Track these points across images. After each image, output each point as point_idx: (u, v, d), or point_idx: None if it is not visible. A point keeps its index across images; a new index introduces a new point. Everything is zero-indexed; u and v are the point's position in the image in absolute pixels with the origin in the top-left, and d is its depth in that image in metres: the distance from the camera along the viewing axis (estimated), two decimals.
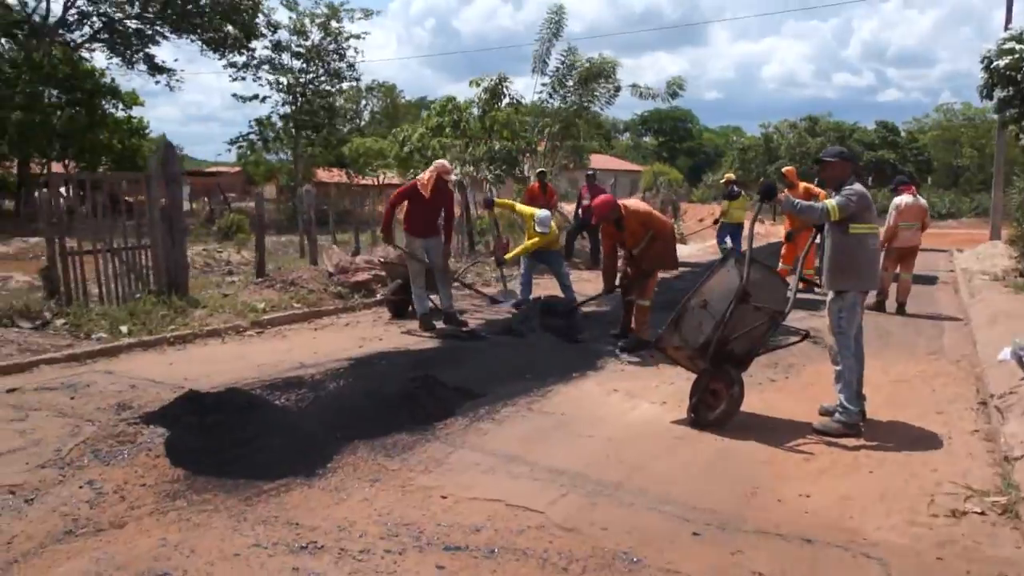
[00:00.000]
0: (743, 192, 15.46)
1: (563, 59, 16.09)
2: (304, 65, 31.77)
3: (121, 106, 37.09)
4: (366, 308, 10.66)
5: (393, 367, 7.39)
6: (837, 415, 5.65)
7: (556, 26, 16.08)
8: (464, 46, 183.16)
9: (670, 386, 6.80)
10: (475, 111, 14.99)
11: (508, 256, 10.38)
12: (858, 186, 5.65)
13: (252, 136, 32.98)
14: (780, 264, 13.14)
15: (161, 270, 10.04)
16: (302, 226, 14.77)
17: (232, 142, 33.48)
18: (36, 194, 17.04)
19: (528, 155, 16.04)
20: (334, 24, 31.25)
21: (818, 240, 6.17)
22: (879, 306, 10.96)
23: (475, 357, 7.82)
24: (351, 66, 32.25)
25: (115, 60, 31.16)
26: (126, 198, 10.81)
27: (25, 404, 6.33)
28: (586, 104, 16.00)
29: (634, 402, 6.39)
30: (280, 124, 32.57)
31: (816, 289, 12.30)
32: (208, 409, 5.85)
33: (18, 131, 27.76)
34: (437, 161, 9.56)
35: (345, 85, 33.12)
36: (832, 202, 5.56)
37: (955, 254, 19.56)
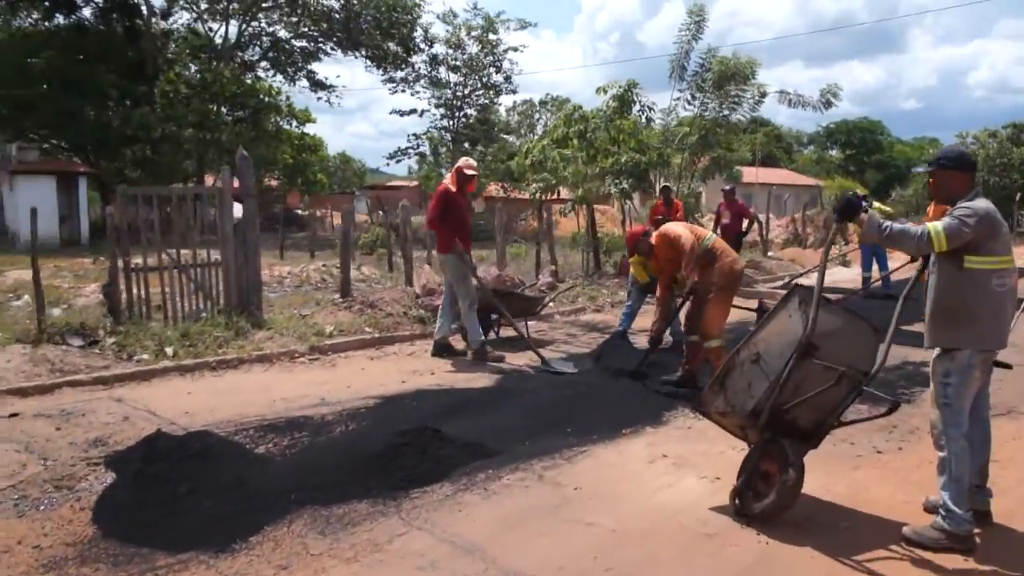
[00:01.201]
0: (874, 204, 13.30)
1: (701, 62, 14.61)
2: (461, 79, 31.61)
3: (295, 123, 38.79)
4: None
5: (416, 411, 6.38)
6: (938, 519, 4.06)
7: (696, 27, 14.62)
8: (648, 58, 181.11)
9: (737, 453, 5.37)
10: (601, 121, 13.75)
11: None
12: (980, 203, 4.01)
13: (410, 150, 33.16)
14: None
15: (231, 288, 9.54)
16: (398, 242, 14.17)
17: (391, 156, 33.84)
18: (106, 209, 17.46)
19: (661, 168, 14.63)
20: (491, 36, 30.86)
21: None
22: None
23: (518, 401, 6.65)
24: (508, 79, 31.80)
25: (278, 78, 32.14)
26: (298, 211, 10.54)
27: (2, 433, 5.82)
28: (725, 112, 14.42)
29: (679, 474, 5.02)
30: (438, 137, 32.54)
31: None
32: (159, 456, 5.06)
33: (192, 147, 29.15)
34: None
35: (505, 98, 32.63)
36: (938, 225, 3.95)
37: None
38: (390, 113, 41.91)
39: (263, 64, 32.63)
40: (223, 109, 29.74)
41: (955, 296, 4.02)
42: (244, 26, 32.51)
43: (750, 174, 46.79)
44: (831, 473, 5.03)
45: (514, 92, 33.14)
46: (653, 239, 7.30)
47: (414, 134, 33.19)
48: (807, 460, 5.04)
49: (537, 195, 14.59)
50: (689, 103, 14.95)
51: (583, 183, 13.64)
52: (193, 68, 31.32)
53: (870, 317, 4.39)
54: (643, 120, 14.31)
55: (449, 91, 31.72)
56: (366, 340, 9.13)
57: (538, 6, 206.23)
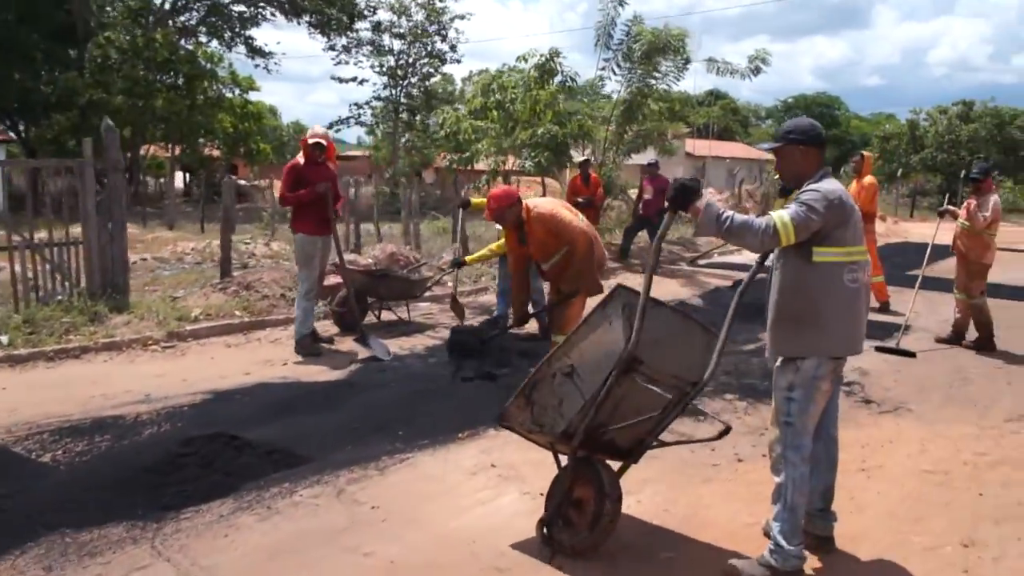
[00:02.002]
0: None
1: (627, 29, 13.93)
2: (405, 47, 30.64)
3: (238, 90, 37.63)
4: (325, 319, 9.00)
5: (243, 409, 5.75)
6: (766, 553, 3.49)
7: None
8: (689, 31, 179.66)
9: None
10: (525, 92, 13.06)
11: (471, 258, 8.24)
12: (828, 184, 3.41)
13: (351, 119, 32.19)
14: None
15: (94, 269, 8.78)
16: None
17: (330, 126, 32.80)
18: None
19: (581, 141, 14.00)
20: (437, 3, 29.90)
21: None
22: (956, 339, 8.31)
23: (360, 398, 6.03)
24: (453, 47, 30.88)
25: (214, 44, 30.99)
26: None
27: None
28: (649, 82, 13.77)
29: (500, 489, 4.43)
30: (379, 108, 31.58)
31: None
32: None
33: (120, 115, 27.95)
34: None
35: (454, 67, 31.72)
36: (784, 215, 3.32)
37: None
38: (330, 79, 40.84)
39: (201, 29, 31.32)
40: (156, 76, 28.55)
41: (803, 296, 3.41)
42: None
43: (703, 147, 46.33)
44: (677, 486, 4.49)
45: (458, 61, 32.40)
46: (526, 212, 6.32)
47: (355, 103, 32.18)
48: (654, 471, 4.54)
49: (453, 167, 13.90)
50: (615, 73, 14.30)
51: (496, 155, 12.95)
52: (126, 33, 29.96)
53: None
54: (564, 91, 13.61)
55: (392, 59, 30.72)
56: (233, 325, 8.43)
57: None
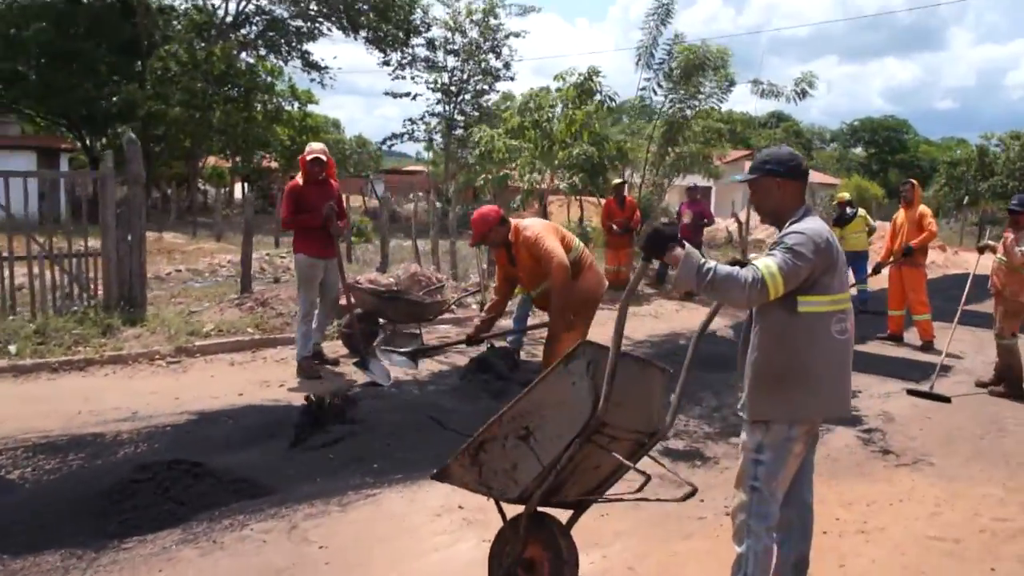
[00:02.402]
0: (859, 213, 12.31)
1: (669, 49, 13.61)
2: (459, 63, 30.71)
3: (297, 104, 38.24)
4: (336, 339, 8.85)
5: (226, 432, 5.61)
6: None
7: (665, 12, 13.64)
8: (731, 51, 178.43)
9: None
10: (559, 110, 12.84)
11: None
12: (813, 223, 3.05)
13: (405, 135, 32.36)
14: (889, 310, 10.16)
15: (112, 281, 8.79)
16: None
17: (383, 141, 33.05)
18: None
19: (619, 162, 13.69)
20: (492, 21, 29.89)
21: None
22: (1015, 389, 7.66)
23: (340, 427, 5.83)
24: (507, 65, 30.83)
25: (271, 57, 31.49)
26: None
27: None
28: (691, 102, 13.39)
29: (460, 535, 4.15)
30: (433, 123, 31.71)
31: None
32: None
33: (178, 126, 28.58)
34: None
35: (504, 84, 31.63)
36: (769, 264, 2.91)
37: None
38: (383, 94, 41.03)
39: (259, 43, 31.90)
40: (213, 88, 29.08)
41: (787, 351, 3.03)
42: (244, 4, 31.85)
43: None
44: (651, 541, 4.16)
45: (512, 79, 32.23)
46: (515, 235, 6.11)
47: (410, 119, 32.35)
48: (629, 522, 4.25)
49: (486, 186, 13.73)
50: (656, 93, 13.99)
51: (530, 175, 12.73)
52: (184, 45, 30.65)
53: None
54: (603, 110, 13.35)
55: (446, 75, 30.80)
56: (243, 342, 8.33)
57: None
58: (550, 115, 12.89)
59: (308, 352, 7.31)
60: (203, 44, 30.32)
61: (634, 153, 13.83)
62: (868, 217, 12.52)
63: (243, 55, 32.83)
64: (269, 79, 34.55)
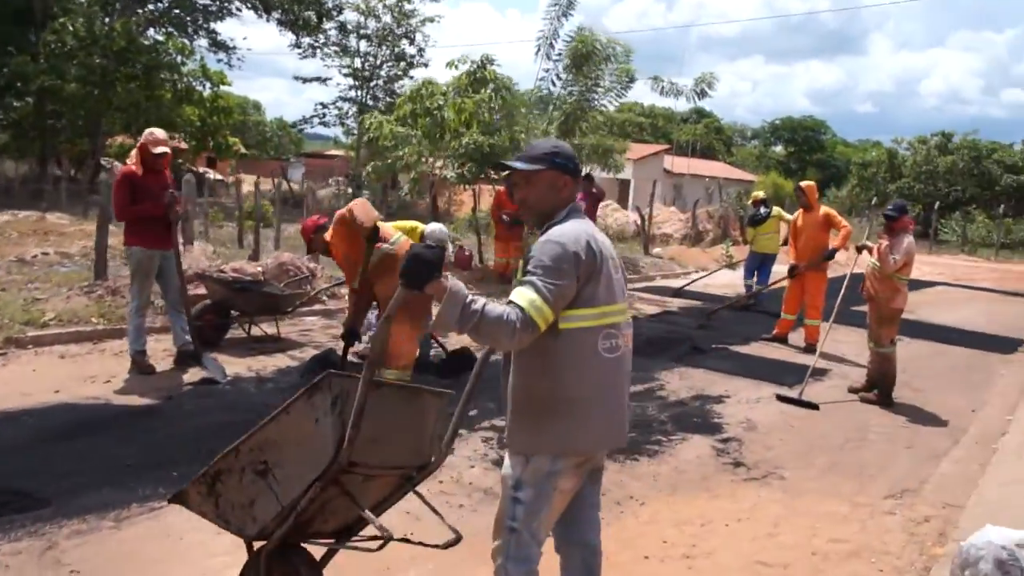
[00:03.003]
0: (772, 213, 12.19)
1: (569, 41, 13.24)
2: (372, 48, 29.99)
3: (209, 85, 36.93)
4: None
5: (22, 434, 5.03)
6: None
7: (567, 1, 13.28)
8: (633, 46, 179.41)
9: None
10: (450, 99, 12.35)
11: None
12: (571, 228, 2.64)
13: (315, 119, 31.53)
14: (783, 312, 9.99)
15: None
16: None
17: (292, 125, 32.18)
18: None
19: (510, 152, 13.30)
20: (406, 6, 29.25)
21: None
22: (885, 397, 7.46)
23: (162, 427, 5.32)
24: (421, 51, 30.24)
25: (176, 35, 30.30)
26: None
27: None
28: (587, 95, 13.07)
29: (238, 556, 3.70)
30: (345, 108, 30.97)
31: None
32: None
33: (73, 103, 27.26)
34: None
35: (419, 71, 30.96)
36: (528, 293, 2.49)
37: None
38: (293, 79, 39.81)
39: (163, 20, 30.67)
40: (113, 65, 27.74)
41: (548, 376, 2.61)
42: None
43: (681, 165, 45.86)
44: (450, 568, 3.78)
45: (425, 65, 31.58)
46: (330, 232, 6.00)
47: (321, 103, 31.52)
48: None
49: (372, 174, 13.22)
50: (554, 84, 13.61)
51: (418, 165, 12.25)
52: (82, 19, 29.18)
53: None
54: (497, 100, 12.93)
55: (359, 60, 30.05)
56: (84, 333, 7.70)
57: None
58: (440, 103, 12.41)
59: (141, 347, 6.75)
60: (106, 18, 28.95)
61: (528, 143, 13.41)
62: (784, 214, 12.39)
63: (150, 32, 31.51)
64: (180, 58, 33.34)
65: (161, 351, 7.37)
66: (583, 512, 2.87)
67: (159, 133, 6.77)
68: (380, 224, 5.77)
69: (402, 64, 30.51)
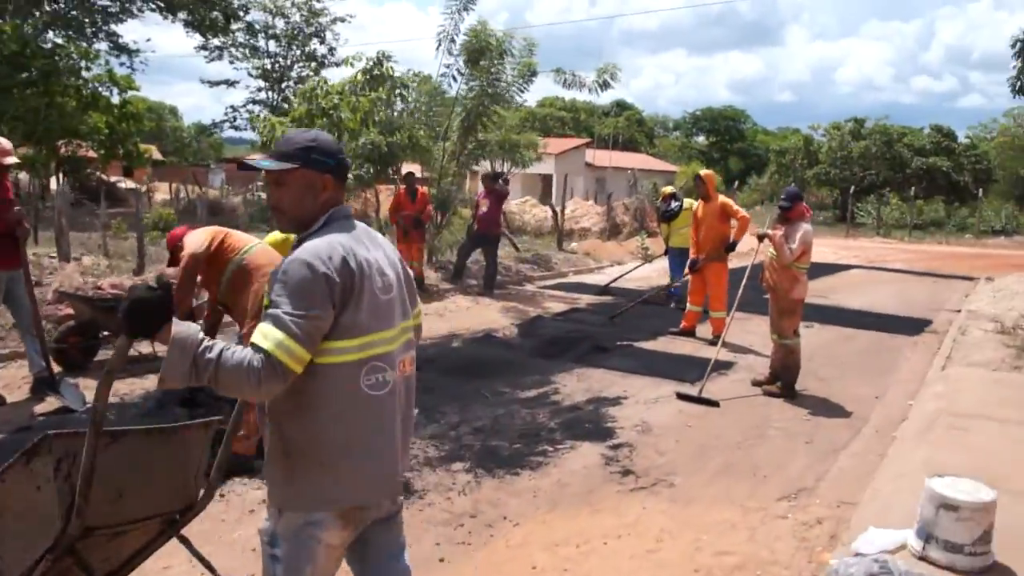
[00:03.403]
0: (684, 206, 11.91)
1: (469, 36, 12.85)
2: (281, 49, 29.19)
3: (116, 91, 35.68)
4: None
5: None
6: None
7: None
8: (537, 40, 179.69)
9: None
10: (347, 98, 11.84)
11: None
12: (327, 241, 2.20)
13: (225, 123, 30.59)
14: (688, 304, 9.79)
15: None
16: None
17: (200, 131, 31.18)
18: None
19: (414, 152, 12.89)
20: (315, 4, 28.53)
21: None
22: (788, 390, 7.27)
23: None
24: (332, 50, 29.53)
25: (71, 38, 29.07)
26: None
27: None
28: (488, 90, 12.69)
29: None
30: (256, 111, 30.06)
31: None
32: None
33: None
34: None
35: (331, 71, 30.22)
36: (278, 336, 2.04)
37: (979, 284, 15.42)
38: (200, 82, 38.34)
39: (57, 23, 29.37)
40: (4, 70, 26.41)
41: (303, 418, 2.20)
42: None
43: (603, 158, 45.85)
44: None
45: (337, 65, 30.86)
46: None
47: (231, 106, 30.58)
48: None
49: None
50: (455, 80, 13.23)
51: None
52: None
53: None
54: (395, 98, 12.52)
55: (268, 61, 29.21)
56: None
57: None
58: (335, 102, 11.90)
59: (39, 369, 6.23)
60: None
61: (428, 141, 13.03)
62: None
63: (49, 34, 30.18)
64: (84, 63, 32.04)
65: (20, 378, 6.83)
66: (381, 564, 2.47)
67: (4, 143, 6.18)
68: (233, 235, 5.29)
69: (313, 64, 29.73)
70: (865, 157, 35.60)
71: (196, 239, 5.06)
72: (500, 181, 12.18)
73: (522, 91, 12.98)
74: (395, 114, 12.67)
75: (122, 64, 30.78)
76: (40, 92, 27.44)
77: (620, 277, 13.63)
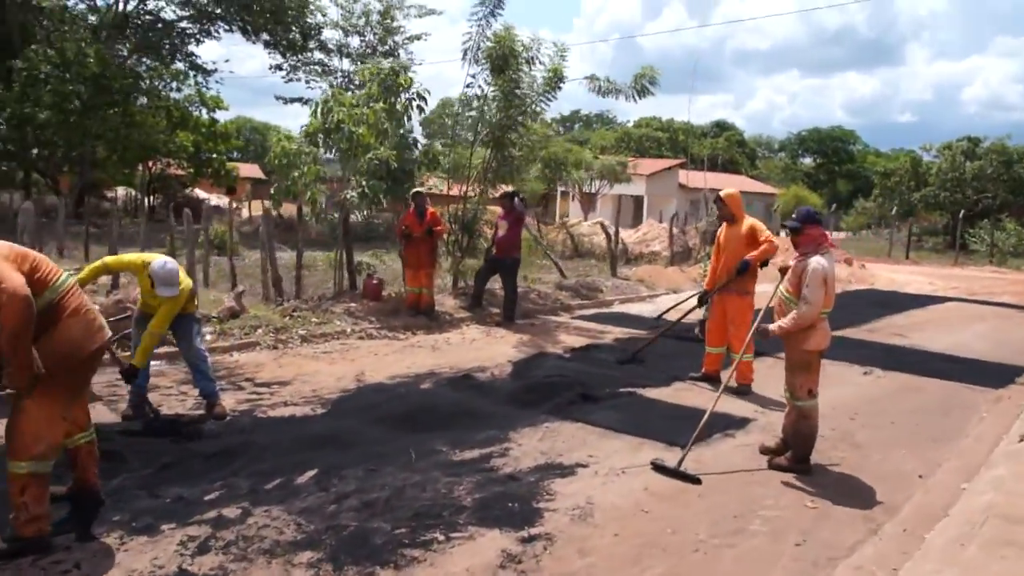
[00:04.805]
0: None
1: (493, 43, 11.65)
2: (355, 67, 28.70)
3: (205, 110, 36.43)
4: None
5: None
6: None
7: (494, 2, 11.78)
8: (648, 62, 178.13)
9: None
10: (353, 111, 10.86)
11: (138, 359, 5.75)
12: None
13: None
14: (707, 345, 8.27)
15: None
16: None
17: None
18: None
19: (427, 168, 11.81)
20: (392, 23, 27.93)
21: None
22: (799, 463, 5.76)
23: None
24: (405, 70, 28.82)
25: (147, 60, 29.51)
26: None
27: None
28: (512, 100, 11.41)
29: None
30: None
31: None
32: None
33: (52, 131, 26.55)
34: None
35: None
36: None
37: None
38: (276, 98, 38.38)
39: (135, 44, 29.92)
40: (89, 90, 26.86)
41: None
42: (126, 4, 29.82)
43: (698, 179, 43.89)
44: None
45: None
46: None
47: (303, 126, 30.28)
48: None
49: (276, 199, 11.81)
50: (481, 91, 12.06)
51: (313, 185, 10.74)
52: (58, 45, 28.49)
53: None
54: (414, 110, 11.50)
55: (342, 79, 28.79)
56: None
57: (537, 5, 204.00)
58: (344, 115, 10.92)
59: None
60: (82, 43, 28.16)
61: (449, 159, 11.94)
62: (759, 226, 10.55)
63: (137, 58, 30.81)
64: (175, 84, 32.73)
65: None
66: None
67: None
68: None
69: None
70: (980, 179, 32.52)
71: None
72: (517, 199, 10.92)
73: (550, 99, 11.73)
74: (410, 129, 11.66)
75: (198, 84, 31.12)
76: (121, 112, 27.92)
77: (673, 308, 12.11)
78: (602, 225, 18.23)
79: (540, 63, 11.42)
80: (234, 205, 36.89)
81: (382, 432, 6.05)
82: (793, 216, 5.70)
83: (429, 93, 11.69)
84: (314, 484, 4.97)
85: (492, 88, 11.76)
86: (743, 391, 7.74)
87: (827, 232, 5.52)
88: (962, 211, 28.66)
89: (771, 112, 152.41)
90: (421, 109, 11.63)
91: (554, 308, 12.55)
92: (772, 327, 5.66)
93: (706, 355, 8.18)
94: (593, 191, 29.56)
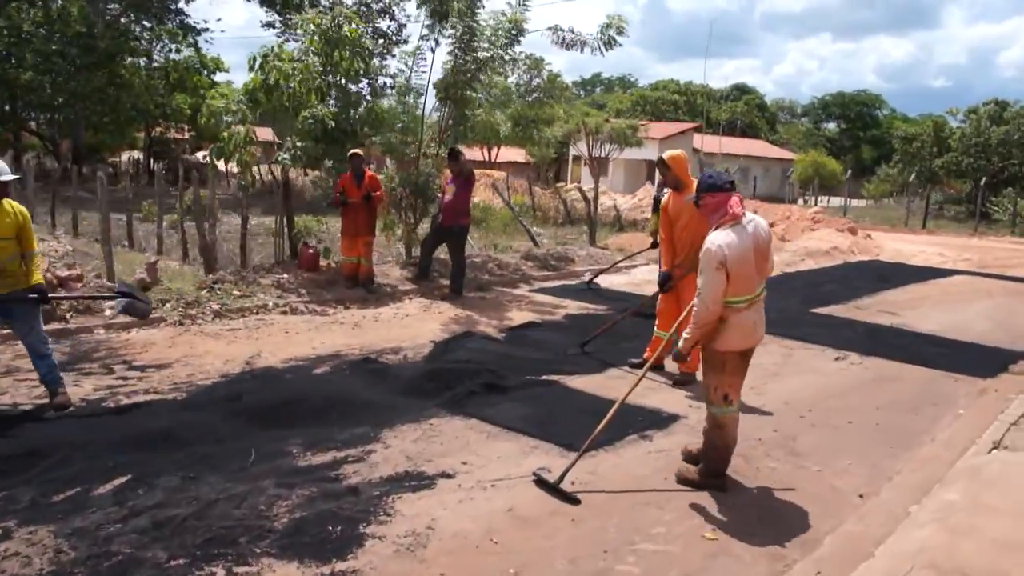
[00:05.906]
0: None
1: None
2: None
3: (206, 72, 35.84)
4: None
5: None
6: None
7: None
8: (676, 25, 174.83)
9: None
10: (287, 65, 9.92)
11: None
12: None
13: None
14: (655, 328, 7.24)
15: None
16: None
17: None
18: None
19: (366, 128, 10.84)
20: None
21: None
22: (710, 477, 4.82)
23: None
24: (401, 27, 27.78)
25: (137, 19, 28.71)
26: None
27: None
28: (460, 52, 10.38)
29: None
30: None
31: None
32: None
33: (28, 94, 25.89)
34: None
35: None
36: None
37: None
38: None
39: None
40: (72, 50, 26.11)
41: None
42: None
43: (713, 143, 42.54)
44: None
45: (406, 41, 29.00)
46: None
47: None
48: None
49: (212, 162, 10.93)
50: (437, 44, 11.01)
51: (244, 146, 9.82)
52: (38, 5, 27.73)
53: None
54: (358, 64, 10.52)
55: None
56: None
57: None
58: (278, 72, 9.98)
59: None
60: (72, 2, 27.39)
61: (393, 118, 10.99)
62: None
63: (130, 18, 30.08)
64: (173, 46, 32.11)
65: None
66: None
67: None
68: None
69: (381, 42, 28.07)
70: (1006, 144, 30.85)
71: None
72: (462, 159, 9.88)
73: (505, 52, 10.66)
74: (357, 86, 10.74)
75: (190, 44, 30.37)
76: (107, 72, 27.18)
77: (605, 271, 11.57)
78: (579, 190, 17.14)
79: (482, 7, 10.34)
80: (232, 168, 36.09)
81: (234, 428, 5.21)
82: (698, 183, 4.70)
83: (374, 48, 10.68)
84: (112, 496, 4.15)
85: (447, 40, 10.73)
86: (685, 380, 6.82)
87: (735, 198, 4.46)
88: (984, 178, 27.18)
89: (800, 77, 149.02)
90: (366, 63, 10.64)
91: (513, 280, 11.62)
92: (680, 346, 4.69)
93: (654, 338, 7.18)
94: (604, 155, 28.36)
